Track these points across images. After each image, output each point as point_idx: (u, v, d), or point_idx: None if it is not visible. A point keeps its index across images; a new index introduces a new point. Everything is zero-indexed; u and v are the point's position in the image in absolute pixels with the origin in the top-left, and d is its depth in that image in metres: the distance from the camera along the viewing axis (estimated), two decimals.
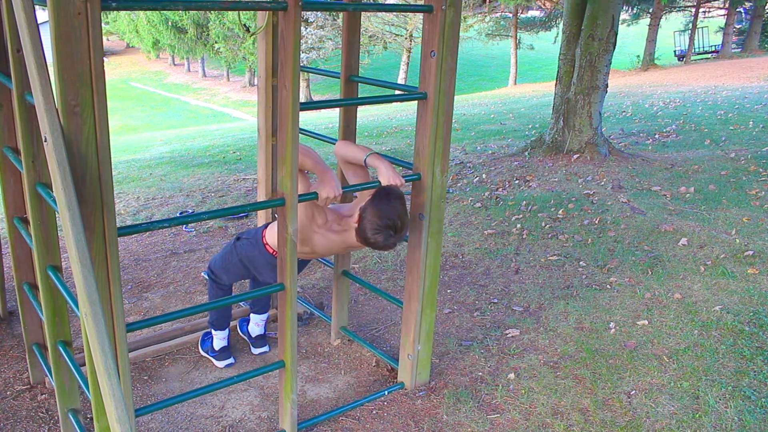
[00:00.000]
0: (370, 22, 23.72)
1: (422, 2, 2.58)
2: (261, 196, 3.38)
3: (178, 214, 5.41)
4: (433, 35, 2.39)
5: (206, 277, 3.19)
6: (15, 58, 2.14)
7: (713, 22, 28.70)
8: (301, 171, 2.47)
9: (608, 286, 3.91)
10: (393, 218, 2.48)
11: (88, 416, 2.57)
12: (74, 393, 2.39)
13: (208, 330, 3.27)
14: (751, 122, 8.71)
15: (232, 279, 3.08)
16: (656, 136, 8.22)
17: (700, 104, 11.02)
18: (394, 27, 25.22)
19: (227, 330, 3.16)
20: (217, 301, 2.57)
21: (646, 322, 3.45)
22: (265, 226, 2.91)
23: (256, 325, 3.30)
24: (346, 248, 2.78)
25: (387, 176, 2.56)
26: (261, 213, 3.49)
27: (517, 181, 6.06)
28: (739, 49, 25.40)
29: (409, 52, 26.09)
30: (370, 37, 24.24)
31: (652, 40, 22.96)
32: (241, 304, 3.58)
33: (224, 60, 27.37)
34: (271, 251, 2.81)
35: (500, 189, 5.87)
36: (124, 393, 1.81)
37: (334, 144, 3.00)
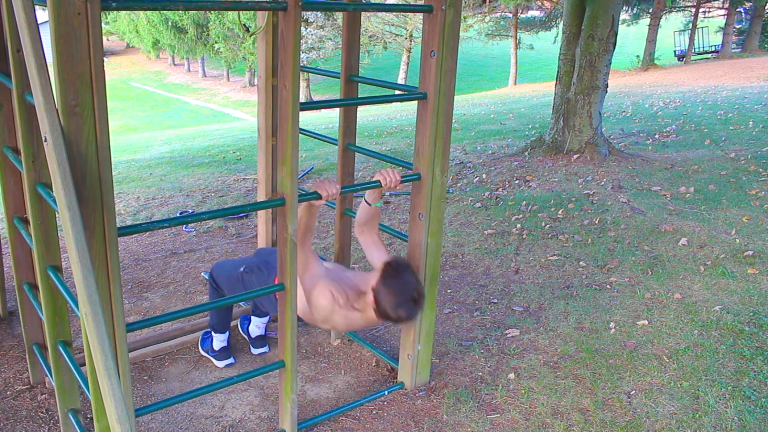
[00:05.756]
0: (370, 22, 23.72)
1: (422, 2, 2.58)
2: (261, 196, 3.39)
3: (178, 214, 5.41)
4: (433, 35, 2.39)
5: (206, 278, 3.19)
6: (15, 58, 2.14)
7: (713, 22, 28.69)
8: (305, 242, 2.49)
9: (608, 286, 3.91)
10: (408, 292, 2.42)
11: (88, 416, 2.56)
12: (74, 393, 2.39)
13: (209, 330, 3.27)
14: (751, 122, 8.71)
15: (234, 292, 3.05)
16: (656, 136, 8.22)
17: (700, 104, 11.01)
18: (394, 27, 25.22)
19: (228, 332, 3.16)
20: (218, 301, 2.57)
21: (646, 322, 3.45)
22: (274, 270, 2.74)
23: (256, 327, 3.30)
24: (368, 324, 2.68)
25: (384, 173, 2.56)
26: (261, 213, 3.49)
27: (517, 181, 6.06)
28: (739, 49, 25.40)
29: (409, 52, 26.09)
30: (370, 37, 24.24)
31: (652, 40, 22.95)
32: (241, 303, 3.58)
33: (224, 60, 27.39)
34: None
35: (500, 189, 5.87)
36: (124, 393, 1.81)
37: (335, 144, 3.00)
